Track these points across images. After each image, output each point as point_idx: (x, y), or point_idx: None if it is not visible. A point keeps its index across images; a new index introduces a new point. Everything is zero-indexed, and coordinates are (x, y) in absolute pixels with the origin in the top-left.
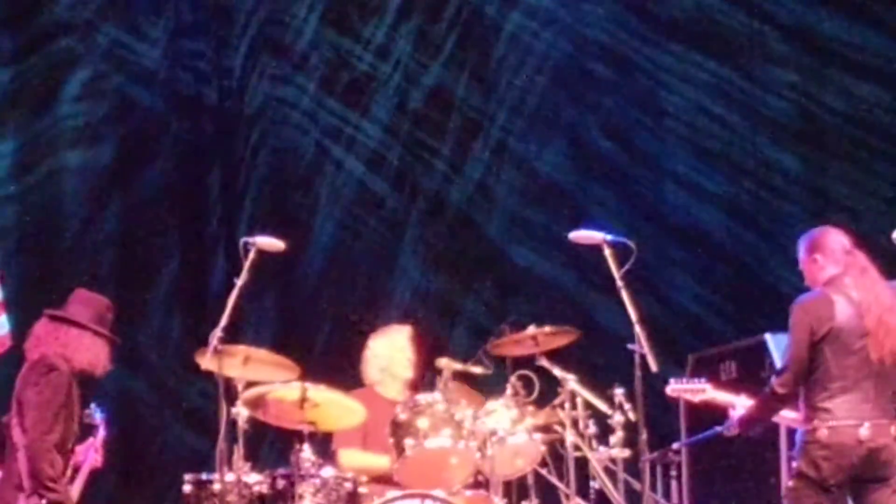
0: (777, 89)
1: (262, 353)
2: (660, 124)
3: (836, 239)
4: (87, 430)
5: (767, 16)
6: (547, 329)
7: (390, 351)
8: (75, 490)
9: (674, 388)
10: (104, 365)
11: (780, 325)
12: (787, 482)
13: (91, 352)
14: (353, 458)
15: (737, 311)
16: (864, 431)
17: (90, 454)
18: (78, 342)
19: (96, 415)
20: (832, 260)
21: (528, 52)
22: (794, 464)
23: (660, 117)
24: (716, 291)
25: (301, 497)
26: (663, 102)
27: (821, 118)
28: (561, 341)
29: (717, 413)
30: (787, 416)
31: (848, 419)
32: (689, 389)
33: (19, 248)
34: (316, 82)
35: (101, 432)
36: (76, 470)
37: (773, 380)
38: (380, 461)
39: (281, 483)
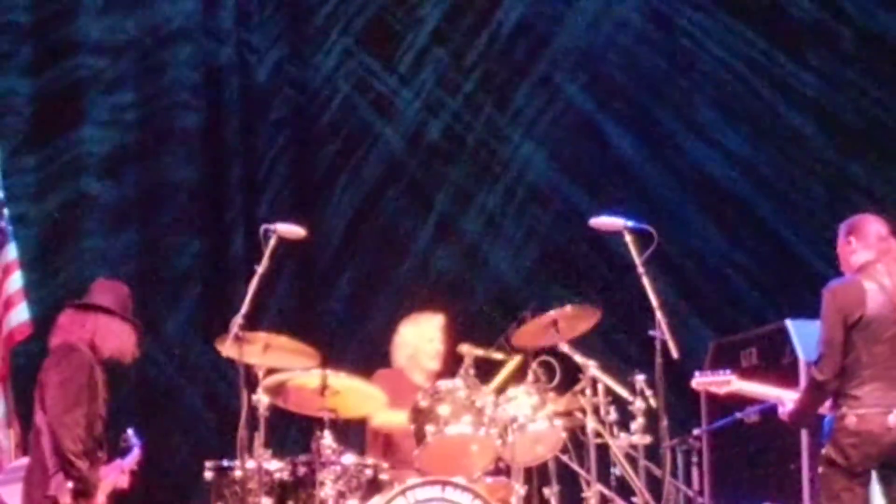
0: (813, 67)
1: (282, 340)
2: (688, 77)
3: (873, 225)
4: (122, 453)
5: (832, 8)
6: (568, 310)
7: (418, 341)
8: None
9: (699, 381)
10: (132, 351)
11: (795, 280)
12: (818, 468)
13: (120, 337)
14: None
15: (754, 265)
16: (893, 418)
17: (116, 473)
18: (107, 328)
19: (133, 439)
20: (865, 245)
21: None
22: (823, 450)
23: (688, 71)
24: (731, 242)
25: (322, 484)
26: (695, 59)
27: (853, 102)
28: (583, 323)
29: (737, 399)
30: None
31: (876, 406)
32: (714, 382)
33: (40, 234)
34: (350, 84)
35: (134, 456)
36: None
37: (812, 369)
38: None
39: (302, 470)
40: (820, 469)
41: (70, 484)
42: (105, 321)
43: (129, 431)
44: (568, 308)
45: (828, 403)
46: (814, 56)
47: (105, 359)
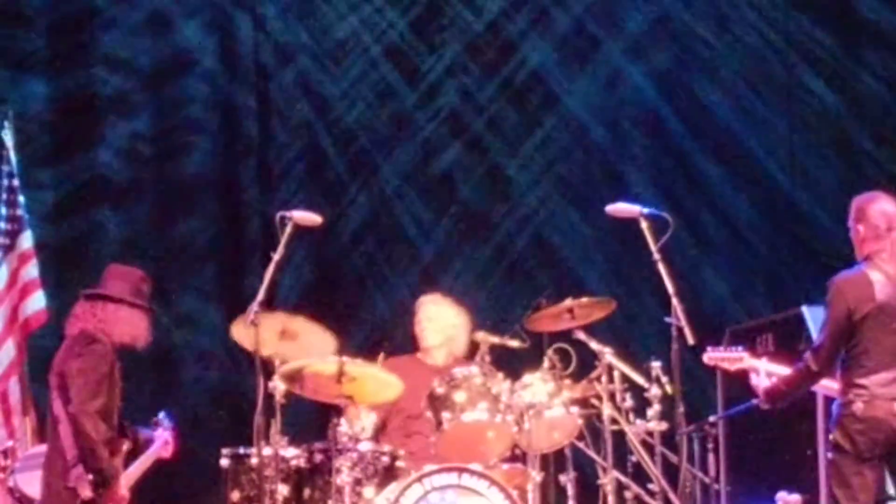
0: (838, 39)
1: (299, 323)
2: (719, 37)
3: (880, 210)
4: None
5: None
6: (584, 300)
7: (415, 324)
8: (136, 472)
9: (711, 356)
10: (144, 336)
11: (808, 242)
12: (826, 454)
13: (130, 325)
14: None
15: (764, 223)
16: None
17: (159, 443)
18: (115, 317)
19: (165, 422)
20: (873, 234)
21: None
22: (831, 436)
23: (722, 32)
24: (745, 191)
25: (338, 471)
26: (728, 21)
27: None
28: (598, 313)
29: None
30: (830, 386)
31: (884, 394)
32: (726, 358)
33: (57, 220)
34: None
35: (161, 439)
36: (135, 453)
37: (808, 356)
38: None
39: (318, 457)
40: (829, 455)
41: (90, 476)
42: (114, 309)
43: (161, 414)
44: (584, 299)
45: (838, 388)
46: (838, 28)
47: (118, 346)
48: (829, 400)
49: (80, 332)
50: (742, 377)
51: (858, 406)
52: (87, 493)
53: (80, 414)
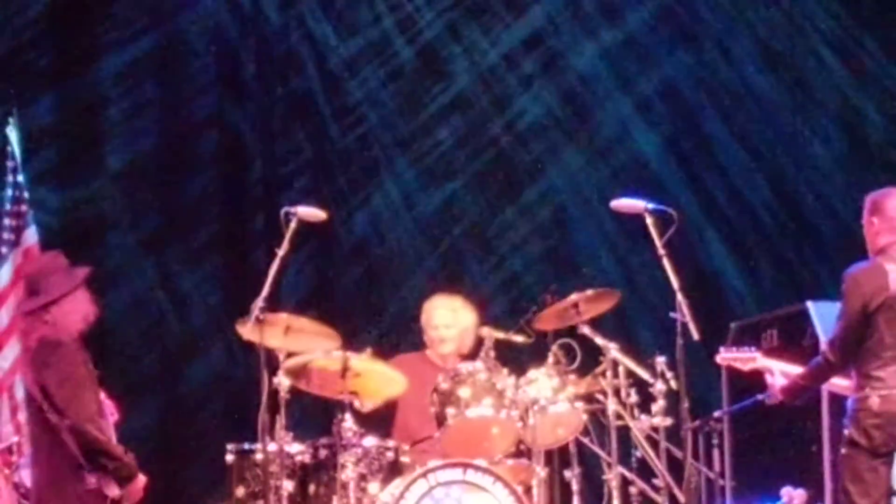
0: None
1: (303, 322)
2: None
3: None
4: None
5: None
6: (589, 292)
7: (426, 326)
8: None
9: (724, 356)
10: (93, 310)
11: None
12: (840, 450)
13: (78, 311)
14: None
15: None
16: None
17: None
18: (64, 314)
19: None
20: (888, 227)
21: None
22: (846, 431)
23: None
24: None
25: (343, 466)
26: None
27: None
28: (603, 305)
29: (758, 381)
30: (839, 384)
31: None
32: (739, 358)
33: (61, 223)
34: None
35: None
36: None
37: (825, 348)
38: None
39: (323, 453)
40: (843, 450)
41: (112, 475)
42: (59, 307)
43: None
44: (589, 291)
45: (852, 384)
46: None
47: (79, 336)
48: (833, 395)
49: (41, 341)
50: (748, 375)
51: (875, 401)
52: (114, 490)
53: (79, 424)
